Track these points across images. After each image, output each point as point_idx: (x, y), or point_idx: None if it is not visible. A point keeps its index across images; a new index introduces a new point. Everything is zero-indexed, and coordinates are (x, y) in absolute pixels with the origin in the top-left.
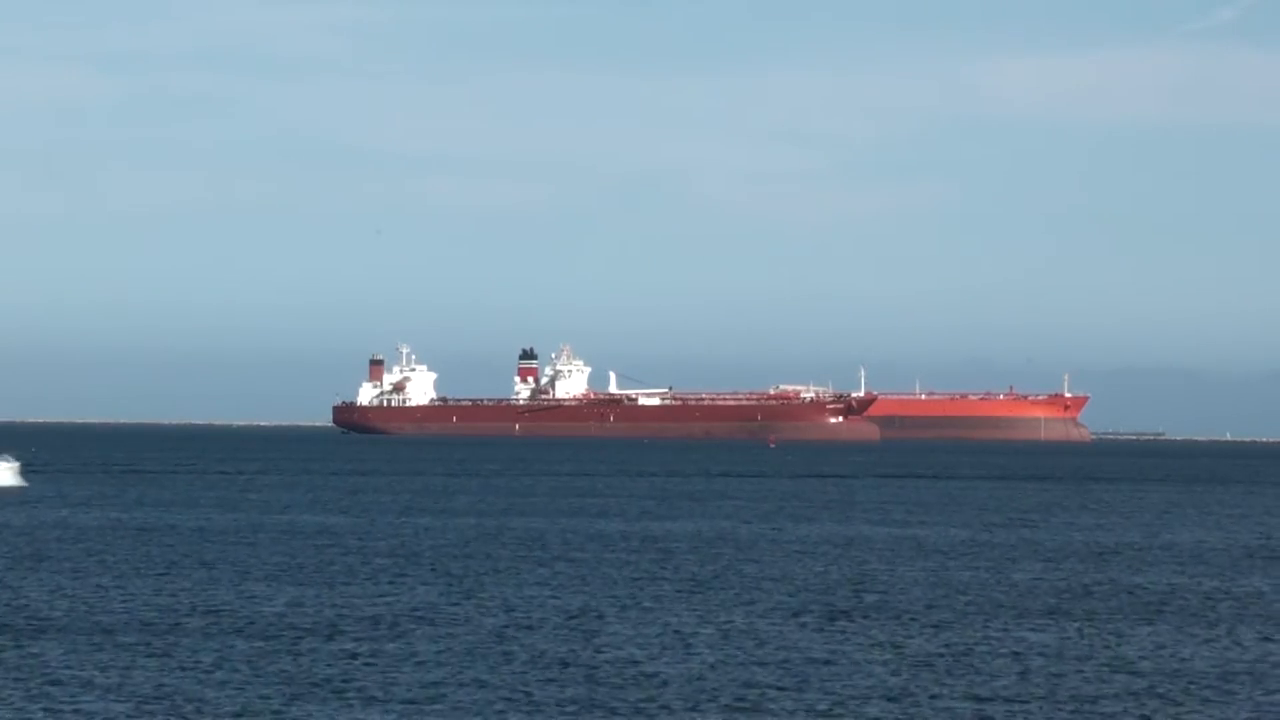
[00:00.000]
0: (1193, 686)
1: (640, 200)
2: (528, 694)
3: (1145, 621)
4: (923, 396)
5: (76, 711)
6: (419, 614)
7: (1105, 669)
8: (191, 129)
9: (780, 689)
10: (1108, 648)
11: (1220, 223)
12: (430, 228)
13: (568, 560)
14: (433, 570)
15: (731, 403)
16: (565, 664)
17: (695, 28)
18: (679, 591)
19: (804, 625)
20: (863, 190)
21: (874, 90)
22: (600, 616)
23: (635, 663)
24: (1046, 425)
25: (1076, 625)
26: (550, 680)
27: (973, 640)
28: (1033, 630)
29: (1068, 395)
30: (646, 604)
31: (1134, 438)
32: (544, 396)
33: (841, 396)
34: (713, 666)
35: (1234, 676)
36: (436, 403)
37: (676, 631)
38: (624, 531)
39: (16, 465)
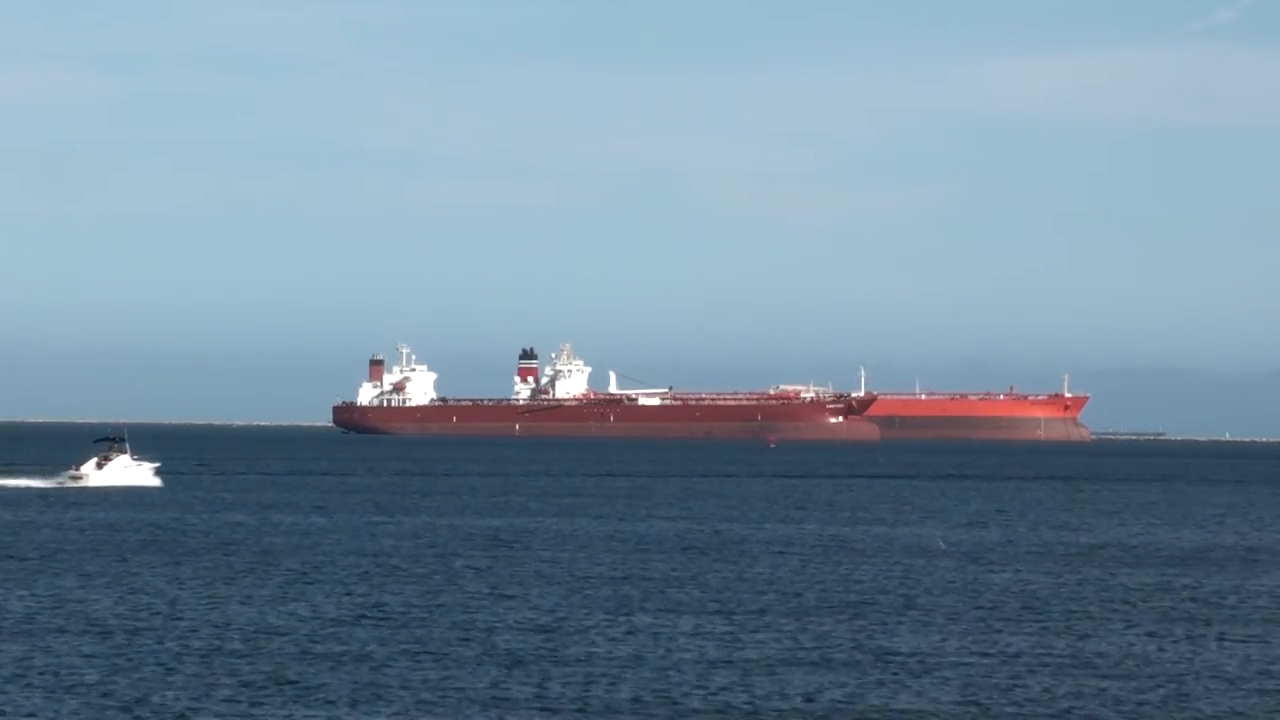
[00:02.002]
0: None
1: (640, 200)
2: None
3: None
4: (923, 396)
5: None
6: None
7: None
8: (191, 129)
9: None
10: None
11: (1220, 223)
12: (430, 228)
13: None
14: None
15: (731, 403)
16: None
17: (695, 28)
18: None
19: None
20: (863, 190)
21: (874, 90)
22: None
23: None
24: (1046, 425)
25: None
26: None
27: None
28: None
29: (1068, 395)
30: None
31: (1134, 438)
32: (544, 396)
33: (841, 396)
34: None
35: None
36: (436, 403)
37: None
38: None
39: (155, 466)
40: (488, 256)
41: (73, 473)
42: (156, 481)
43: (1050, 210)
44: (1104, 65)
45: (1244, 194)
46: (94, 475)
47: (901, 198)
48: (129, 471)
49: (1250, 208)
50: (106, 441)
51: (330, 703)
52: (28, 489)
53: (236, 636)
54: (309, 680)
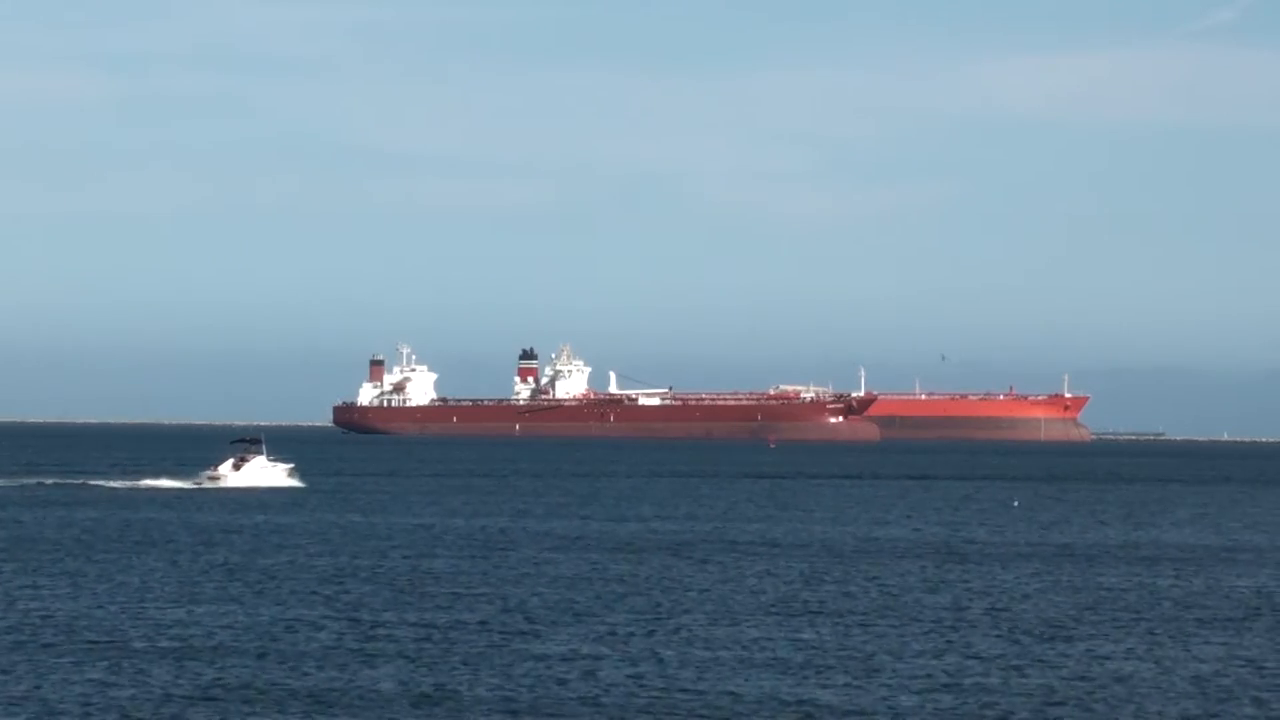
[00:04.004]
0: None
1: (640, 200)
2: None
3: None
4: (923, 396)
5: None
6: None
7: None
8: (191, 129)
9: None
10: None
11: (1220, 223)
12: (430, 228)
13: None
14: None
15: (731, 403)
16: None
17: (695, 28)
18: None
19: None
20: (863, 190)
21: (874, 90)
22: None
23: None
24: (1046, 425)
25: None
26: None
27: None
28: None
29: (1068, 395)
30: None
31: (1134, 438)
32: (544, 396)
33: (841, 396)
34: None
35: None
36: (437, 403)
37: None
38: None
39: (289, 467)
40: (488, 256)
41: (210, 473)
42: (292, 482)
43: (1050, 210)
44: (1104, 65)
45: (1244, 194)
46: (231, 476)
47: (901, 198)
48: (265, 472)
49: (1250, 208)
50: (243, 443)
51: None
52: (170, 489)
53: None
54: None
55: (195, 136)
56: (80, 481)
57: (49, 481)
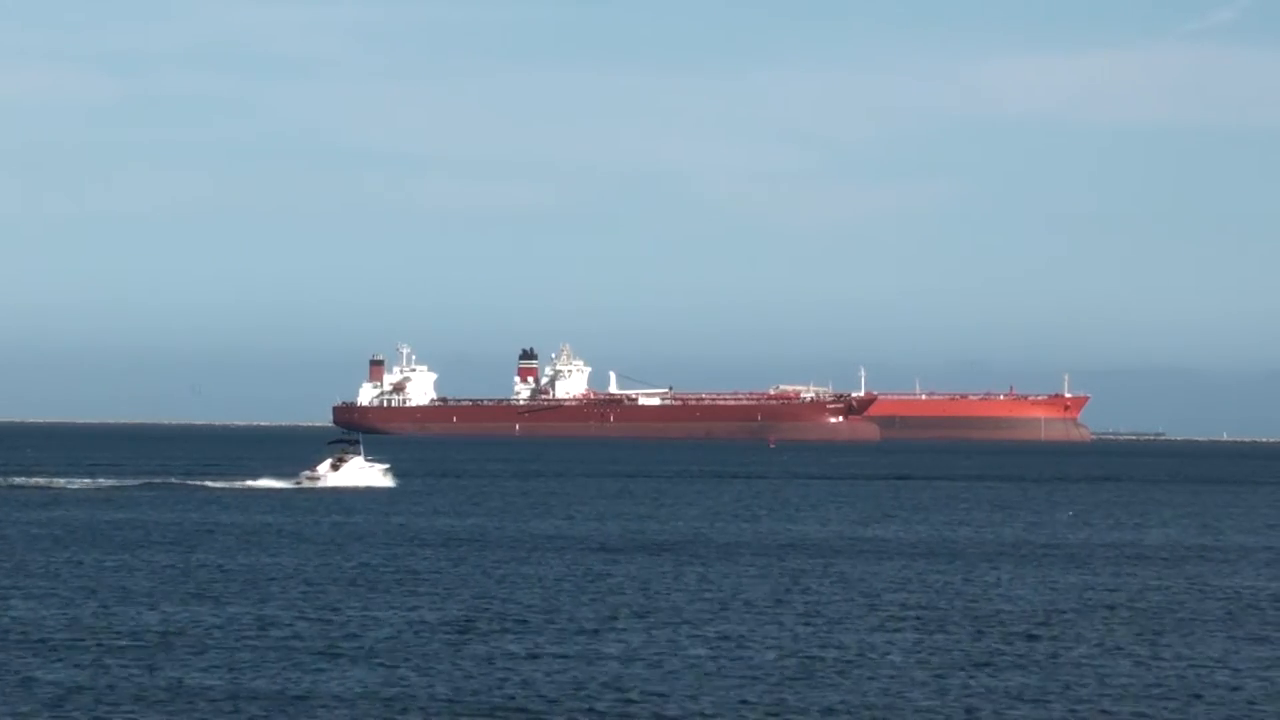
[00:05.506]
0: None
1: (640, 200)
2: None
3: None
4: (923, 396)
5: None
6: None
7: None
8: (191, 129)
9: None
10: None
11: (1220, 223)
12: (431, 228)
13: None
14: None
15: (731, 403)
16: None
17: (695, 27)
18: None
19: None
20: (863, 190)
21: (874, 90)
22: None
23: None
24: (1046, 425)
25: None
26: None
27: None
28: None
29: (1068, 395)
30: None
31: (1134, 438)
32: (544, 396)
33: (841, 396)
34: None
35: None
36: (436, 403)
37: None
38: None
39: (385, 467)
40: (488, 256)
41: (309, 474)
42: (389, 482)
43: (1049, 210)
44: (1104, 65)
45: (1244, 194)
46: (329, 476)
47: (901, 198)
48: (363, 472)
49: (1250, 207)
50: (341, 444)
51: None
52: (270, 489)
53: None
54: None
55: (195, 136)
56: (197, 482)
57: (173, 481)
